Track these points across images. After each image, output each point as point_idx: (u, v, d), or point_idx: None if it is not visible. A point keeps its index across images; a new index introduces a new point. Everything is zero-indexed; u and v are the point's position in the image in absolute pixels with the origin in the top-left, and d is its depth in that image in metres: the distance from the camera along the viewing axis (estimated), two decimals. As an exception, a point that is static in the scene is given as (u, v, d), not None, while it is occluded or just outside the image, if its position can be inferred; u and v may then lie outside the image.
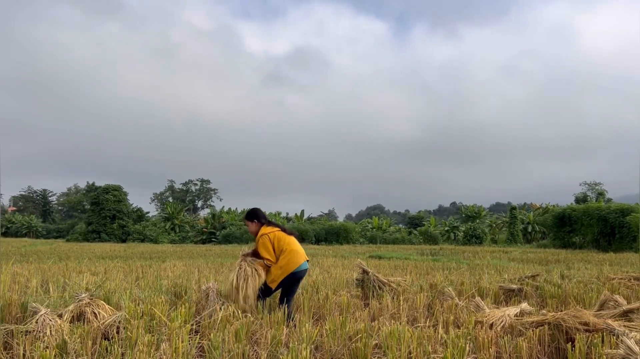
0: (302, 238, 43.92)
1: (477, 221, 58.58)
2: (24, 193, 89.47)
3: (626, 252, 26.90)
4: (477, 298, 6.08)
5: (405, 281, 8.05)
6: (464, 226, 53.61)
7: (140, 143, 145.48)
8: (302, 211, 59.75)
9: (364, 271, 7.71)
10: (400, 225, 70.55)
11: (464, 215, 63.05)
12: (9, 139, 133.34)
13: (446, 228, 55.76)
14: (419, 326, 4.76)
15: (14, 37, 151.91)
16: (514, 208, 51.02)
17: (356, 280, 7.92)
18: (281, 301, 5.68)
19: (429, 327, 4.88)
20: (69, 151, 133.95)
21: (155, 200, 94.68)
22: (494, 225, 58.16)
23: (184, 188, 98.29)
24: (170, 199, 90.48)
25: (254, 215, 5.98)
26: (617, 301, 5.59)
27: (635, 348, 3.53)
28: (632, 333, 4.27)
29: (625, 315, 5.16)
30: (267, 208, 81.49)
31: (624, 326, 4.69)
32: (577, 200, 52.56)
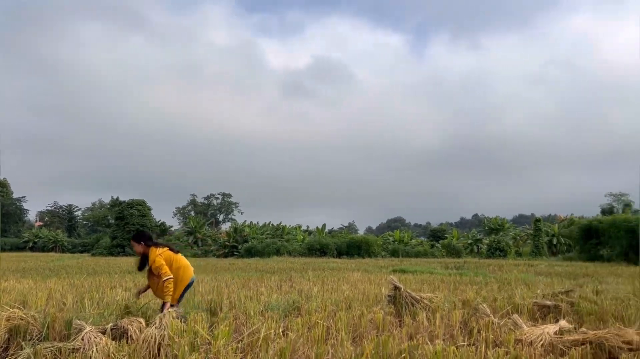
0: (323, 252, 43.95)
1: (501, 233, 57.78)
2: (50, 209, 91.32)
3: (657, 265, 26.25)
4: (515, 316, 6.05)
5: (437, 297, 8.02)
6: (488, 239, 52.90)
7: (163, 159, 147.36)
8: (324, 225, 59.79)
9: (396, 288, 7.70)
10: (422, 238, 69.96)
11: (487, 228, 62.25)
12: (36, 157, 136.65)
13: (469, 241, 55.09)
14: (461, 345, 4.75)
15: (40, 58, 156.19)
16: (538, 220, 50.21)
17: (388, 296, 7.91)
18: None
19: (469, 346, 4.88)
20: (94, 167, 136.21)
21: (178, 214, 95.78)
22: (518, 238, 57.26)
23: (206, 203, 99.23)
24: (193, 213, 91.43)
25: (141, 237, 6.33)
26: (659, 320, 5.50)
27: (687, 369, 3.49)
28: (679, 353, 4.22)
29: (669, 334, 5.07)
30: (288, 222, 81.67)
31: (670, 345, 4.63)
32: (603, 212, 51.56)
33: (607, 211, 51.71)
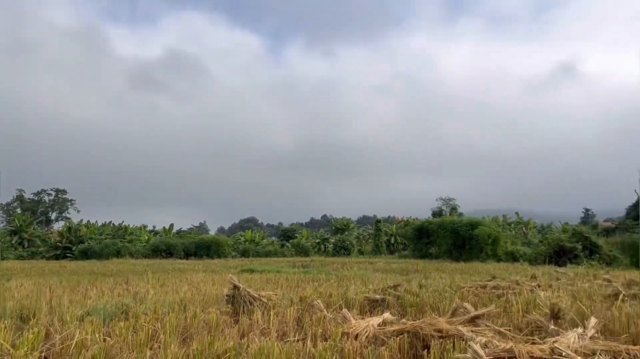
0: (170, 253, 42.11)
1: (346, 233, 60.98)
2: None
3: (474, 262, 29.88)
4: (344, 310, 6.30)
5: (276, 295, 8.07)
6: (334, 238, 55.46)
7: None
8: (171, 225, 57.40)
9: (235, 287, 7.59)
10: (273, 238, 70.87)
11: (334, 228, 65.24)
12: None
13: (317, 240, 57.22)
14: (288, 341, 4.78)
15: None
16: (378, 221, 54.13)
17: (226, 295, 7.76)
18: None
19: (298, 341, 4.94)
20: None
21: (1, 211, 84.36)
22: (361, 237, 60.99)
23: (36, 199, 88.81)
24: (19, 210, 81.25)
25: None
26: (466, 308, 6.14)
27: (481, 351, 3.90)
28: (479, 338, 4.72)
29: (473, 321, 5.69)
30: (132, 221, 76.76)
31: (472, 331, 5.17)
32: (434, 214, 57.17)
33: (437, 213, 57.40)
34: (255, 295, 7.52)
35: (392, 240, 55.06)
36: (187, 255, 43.01)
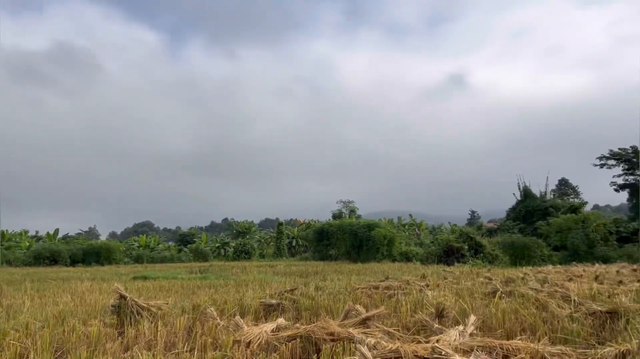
0: (54, 260, 39.03)
1: (247, 236, 60.40)
2: None
3: (371, 262, 30.94)
4: (237, 317, 6.16)
5: (167, 304, 7.71)
6: (235, 242, 54.70)
7: None
8: (57, 230, 53.22)
9: (122, 296, 7.14)
10: (170, 243, 68.29)
11: (235, 231, 64.35)
12: None
13: (217, 245, 56.07)
14: (175, 353, 4.56)
15: None
16: (280, 224, 54.27)
17: (112, 306, 7.27)
18: None
19: (186, 352, 4.73)
20: None
21: None
22: (263, 240, 60.76)
23: None
24: None
25: None
26: (358, 311, 6.27)
27: (368, 353, 3.97)
28: (368, 339, 4.82)
29: (364, 323, 5.82)
30: (10, 226, 70.03)
31: (363, 333, 5.27)
32: (334, 217, 58.42)
33: (337, 216, 58.75)
34: (144, 305, 7.12)
35: (294, 243, 55.49)
36: (74, 262, 40.11)
